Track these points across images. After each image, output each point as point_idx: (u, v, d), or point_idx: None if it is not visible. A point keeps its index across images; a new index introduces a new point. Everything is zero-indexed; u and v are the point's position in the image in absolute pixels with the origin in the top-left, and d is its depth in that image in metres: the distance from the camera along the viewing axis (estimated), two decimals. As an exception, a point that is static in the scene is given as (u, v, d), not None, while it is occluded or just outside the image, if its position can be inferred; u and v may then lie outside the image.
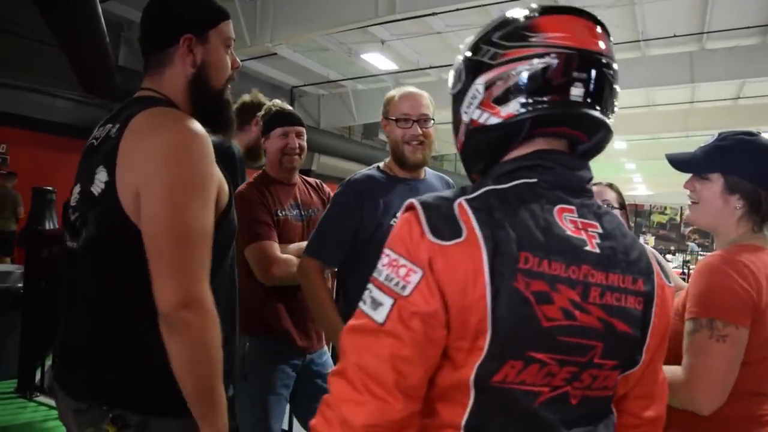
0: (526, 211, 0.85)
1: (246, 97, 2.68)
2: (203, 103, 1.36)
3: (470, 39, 0.98)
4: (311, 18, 8.95)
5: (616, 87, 0.92)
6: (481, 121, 0.92)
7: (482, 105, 0.92)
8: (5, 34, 8.35)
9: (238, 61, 1.43)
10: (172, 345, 1.15)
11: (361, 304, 0.85)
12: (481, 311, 0.79)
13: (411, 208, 0.86)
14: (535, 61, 0.88)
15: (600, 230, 0.90)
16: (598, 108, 0.89)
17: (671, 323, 1.41)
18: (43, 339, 4.12)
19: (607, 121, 0.91)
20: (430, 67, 11.78)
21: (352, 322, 0.85)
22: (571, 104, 0.88)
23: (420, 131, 1.93)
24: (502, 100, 0.90)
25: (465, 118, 0.96)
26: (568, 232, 0.86)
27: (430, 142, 1.97)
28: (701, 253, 15.89)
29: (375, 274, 0.85)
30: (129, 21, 9.95)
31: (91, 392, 1.23)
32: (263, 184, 2.27)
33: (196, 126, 1.23)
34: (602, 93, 0.89)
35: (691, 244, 17.99)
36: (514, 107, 0.89)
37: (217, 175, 1.26)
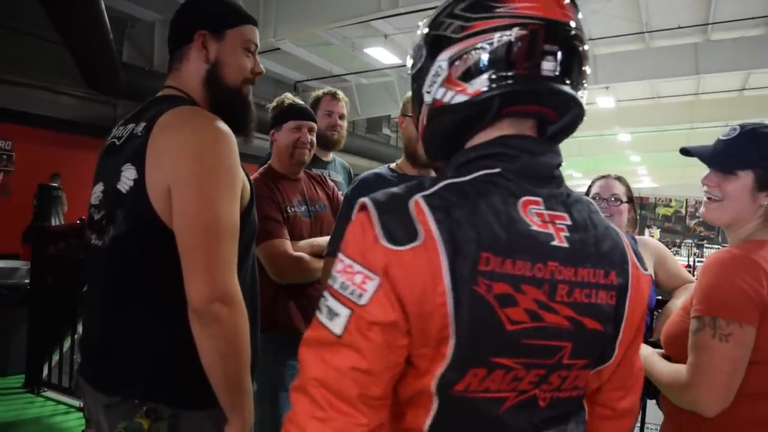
0: (487, 207, 0.79)
1: (315, 93, 2.80)
2: (219, 102, 1.37)
3: (430, 15, 0.91)
4: (314, 13, 8.95)
5: (586, 62, 0.85)
6: (446, 100, 0.85)
7: (446, 82, 0.85)
8: (10, 31, 8.37)
9: (262, 68, 1.43)
10: (204, 338, 1.18)
11: (317, 313, 0.79)
12: (442, 318, 0.74)
13: (363, 207, 0.79)
14: (502, 33, 0.81)
15: (569, 222, 0.84)
16: (571, 83, 0.83)
17: (678, 320, 1.39)
18: (50, 335, 4.14)
19: (578, 96, 0.85)
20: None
21: (308, 333, 0.79)
22: (542, 79, 0.82)
23: None
24: (468, 76, 0.83)
25: (427, 98, 0.88)
26: (534, 227, 0.80)
27: None
28: (707, 246, 15.86)
29: (330, 281, 0.79)
30: (132, 17, 9.96)
31: (122, 387, 1.25)
32: (270, 179, 2.27)
33: (222, 124, 1.25)
34: (573, 68, 0.83)
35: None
36: (481, 83, 0.82)
37: (242, 173, 1.29)
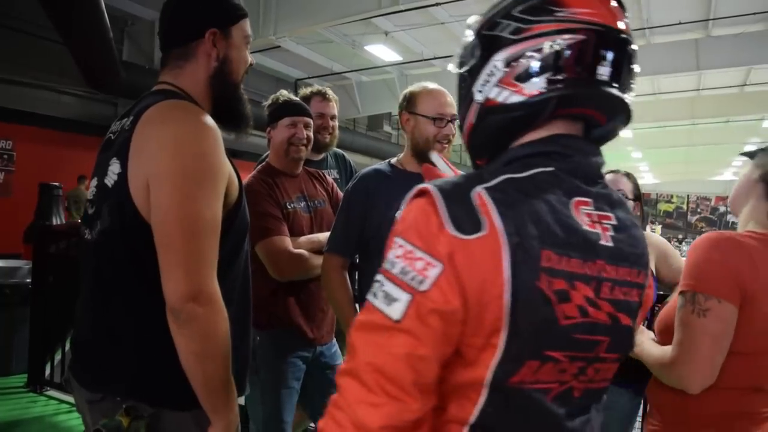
0: (546, 204, 0.81)
1: (303, 91, 2.76)
2: (222, 98, 1.37)
3: (479, 16, 0.93)
4: (315, 10, 8.94)
5: (635, 67, 0.88)
6: (500, 99, 0.87)
7: (501, 82, 0.86)
8: (10, 31, 8.38)
9: (252, 59, 1.44)
10: (180, 338, 1.15)
11: (371, 297, 0.79)
12: (498, 309, 0.76)
13: (425, 193, 0.80)
14: (562, 37, 0.83)
15: (615, 222, 0.87)
16: (622, 89, 0.86)
17: (670, 309, 1.42)
18: (52, 334, 4.15)
19: (629, 101, 0.88)
20: (435, 58, 11.75)
21: (362, 317, 0.80)
22: (597, 83, 0.84)
23: (453, 131, 1.95)
24: (526, 77, 0.85)
25: (479, 97, 0.89)
26: (584, 227, 0.83)
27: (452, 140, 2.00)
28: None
29: (387, 266, 0.79)
30: (132, 16, 9.96)
31: (104, 383, 1.25)
32: (269, 175, 2.27)
33: (207, 118, 1.23)
34: (623, 71, 0.86)
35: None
36: (539, 85, 0.84)
37: (227, 168, 1.26)
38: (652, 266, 2.15)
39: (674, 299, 1.43)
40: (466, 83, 0.92)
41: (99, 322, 1.28)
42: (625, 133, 17.69)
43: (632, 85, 0.89)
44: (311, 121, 2.34)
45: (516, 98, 0.86)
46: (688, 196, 24.86)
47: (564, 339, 0.80)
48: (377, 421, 0.74)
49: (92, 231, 1.28)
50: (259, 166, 2.36)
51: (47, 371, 4.10)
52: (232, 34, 1.36)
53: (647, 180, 25.78)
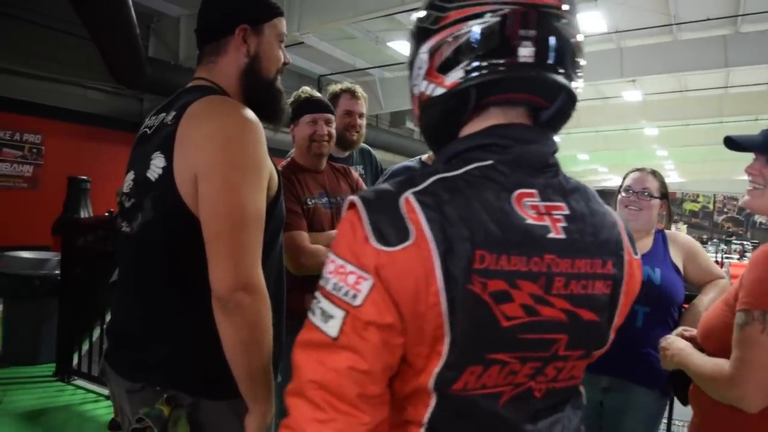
0: (480, 202, 0.77)
1: (333, 87, 2.77)
2: (254, 93, 1.39)
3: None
4: (338, 6, 8.94)
5: (573, 44, 0.82)
6: (428, 92, 0.84)
7: (428, 75, 0.84)
8: (39, 27, 8.53)
9: (289, 57, 1.46)
10: (227, 327, 1.18)
11: (310, 315, 0.78)
12: (436, 317, 0.73)
13: (352, 206, 0.77)
14: (475, 21, 0.79)
15: (566, 211, 0.82)
16: (555, 69, 0.80)
17: (720, 314, 1.36)
18: (79, 324, 4.23)
19: (565, 82, 0.81)
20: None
21: (302, 335, 0.78)
22: (519, 66, 0.79)
23: None
24: (445, 68, 0.81)
25: (415, 90, 0.88)
26: (529, 221, 0.78)
27: None
28: (735, 242, 15.58)
29: (322, 283, 0.77)
30: (159, 13, 10.05)
31: (144, 373, 1.27)
32: (291, 172, 2.29)
33: (251, 114, 1.26)
34: (559, 52, 0.80)
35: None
36: (457, 75, 0.80)
37: (269, 163, 1.29)
38: (679, 265, 2.12)
39: (719, 307, 1.39)
40: (409, 77, 0.90)
41: (138, 312, 1.31)
42: (650, 131, 17.54)
43: (578, 63, 0.83)
44: (332, 117, 2.36)
45: (440, 90, 0.83)
46: (714, 195, 24.46)
47: (509, 340, 0.77)
48: None
49: (132, 223, 1.30)
50: (284, 162, 2.38)
51: (75, 361, 4.17)
52: (264, 32, 1.38)
53: (673, 179, 25.37)
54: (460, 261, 0.74)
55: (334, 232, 2.24)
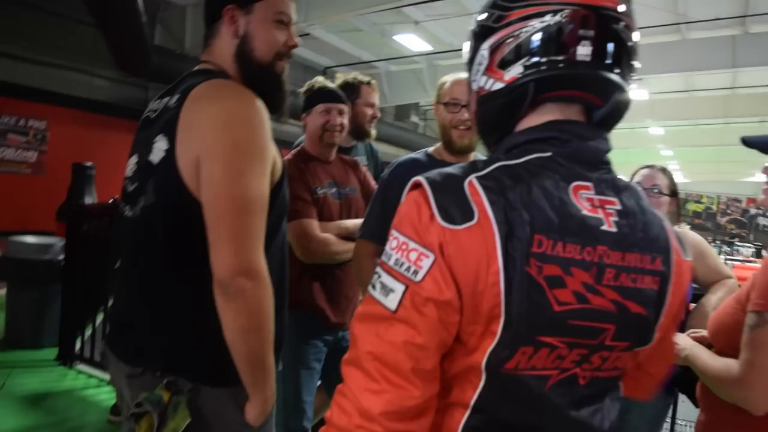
0: (540, 189, 0.81)
1: (346, 77, 2.79)
2: (251, 76, 1.35)
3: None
4: (346, -2, 8.93)
5: (630, 45, 0.85)
6: (487, 87, 0.89)
7: (487, 71, 0.89)
8: (46, 14, 8.52)
9: (296, 39, 1.40)
10: (227, 312, 1.17)
11: (370, 289, 0.82)
12: (494, 297, 0.77)
13: (418, 185, 0.82)
14: (537, 20, 0.83)
15: (618, 207, 0.85)
16: (611, 69, 0.84)
17: (731, 311, 1.35)
18: (83, 309, 4.25)
19: (620, 81, 0.85)
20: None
21: (361, 308, 0.83)
22: (576, 64, 0.83)
23: (467, 116, 1.94)
24: (506, 63, 0.86)
25: (474, 86, 0.92)
26: (584, 212, 0.82)
27: None
28: (738, 244, 15.55)
29: (384, 258, 0.82)
30: (165, 1, 10.04)
31: (144, 358, 1.26)
32: (302, 160, 2.30)
33: (255, 98, 1.24)
34: (615, 52, 0.84)
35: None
36: (516, 70, 0.85)
37: (272, 148, 1.27)
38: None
39: (731, 305, 1.38)
40: (468, 73, 0.95)
41: (138, 296, 1.30)
42: (655, 130, 17.43)
43: (632, 65, 0.87)
44: (345, 108, 2.36)
45: (498, 85, 0.88)
46: (718, 196, 24.40)
47: (559, 325, 0.80)
48: (379, 407, 0.76)
49: (134, 207, 1.29)
50: (294, 151, 2.39)
51: (77, 346, 4.20)
52: (255, 11, 1.33)
53: (677, 179, 25.11)
54: (519, 243, 0.77)
55: (343, 222, 2.26)
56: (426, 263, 0.77)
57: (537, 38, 0.83)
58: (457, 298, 0.77)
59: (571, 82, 0.86)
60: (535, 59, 0.84)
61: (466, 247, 0.76)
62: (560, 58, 0.83)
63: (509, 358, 0.79)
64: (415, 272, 0.77)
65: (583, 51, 0.82)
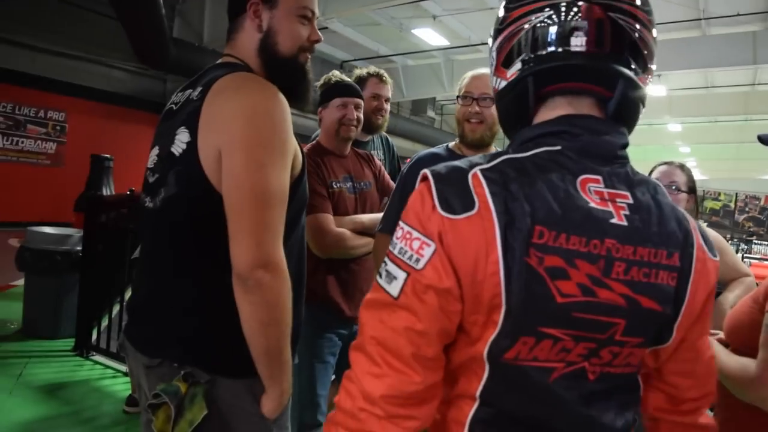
0: (545, 182, 0.81)
1: (357, 71, 2.79)
2: (275, 70, 1.35)
3: None
4: (364, -8, 8.92)
5: (636, 33, 0.84)
6: (497, 87, 0.93)
7: (495, 71, 0.92)
8: (66, 5, 8.60)
9: (319, 34, 1.40)
10: (246, 304, 1.17)
11: (377, 276, 0.85)
12: (494, 286, 0.77)
13: (424, 178, 0.84)
14: (532, 17, 0.85)
15: (630, 200, 0.84)
16: (611, 58, 0.83)
17: (747, 310, 1.34)
18: (99, 300, 4.29)
19: (623, 70, 0.83)
20: (482, 44, 11.59)
21: (369, 295, 0.85)
22: (570, 55, 0.83)
23: (477, 109, 1.94)
24: (507, 62, 0.89)
25: (493, 85, 0.96)
26: (592, 204, 0.81)
27: (492, 122, 1.96)
28: (756, 242, 15.37)
29: (390, 247, 0.84)
30: (183, -7, 10.11)
31: (162, 349, 1.27)
32: (317, 154, 2.29)
33: (276, 91, 1.25)
34: (615, 41, 0.83)
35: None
36: (515, 67, 0.88)
37: (294, 141, 1.27)
38: None
39: (747, 303, 1.38)
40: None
41: (158, 287, 1.31)
42: (673, 127, 17.26)
43: (641, 52, 0.85)
44: (362, 102, 2.36)
45: (503, 83, 0.91)
46: (736, 194, 24.09)
47: (562, 317, 0.79)
48: (380, 391, 0.79)
49: (155, 198, 1.30)
50: (309, 145, 2.38)
51: (94, 337, 4.23)
52: (279, 5, 1.34)
53: (695, 176, 25.00)
54: (519, 234, 0.77)
55: (358, 216, 2.25)
56: (427, 252, 0.79)
57: (532, 33, 0.85)
58: (457, 286, 0.79)
59: (570, 74, 0.86)
60: (531, 54, 0.86)
61: (464, 236, 0.78)
62: (554, 50, 0.84)
63: (509, 347, 0.80)
64: (417, 260, 0.79)
65: (577, 41, 0.83)
